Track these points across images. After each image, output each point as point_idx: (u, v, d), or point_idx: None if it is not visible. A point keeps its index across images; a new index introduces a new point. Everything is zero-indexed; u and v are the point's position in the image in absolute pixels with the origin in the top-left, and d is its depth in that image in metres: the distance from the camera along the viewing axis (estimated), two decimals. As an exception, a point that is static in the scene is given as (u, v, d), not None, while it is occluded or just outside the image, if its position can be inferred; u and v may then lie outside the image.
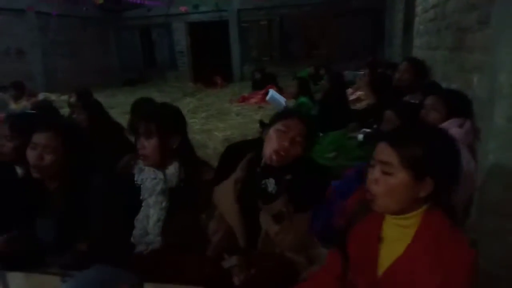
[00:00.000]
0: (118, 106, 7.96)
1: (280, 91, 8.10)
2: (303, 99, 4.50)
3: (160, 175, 1.73)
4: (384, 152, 1.09)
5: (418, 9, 4.45)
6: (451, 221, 1.08)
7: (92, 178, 1.73)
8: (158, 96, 9.53)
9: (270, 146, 1.57)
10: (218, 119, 6.03)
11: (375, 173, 1.11)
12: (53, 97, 9.12)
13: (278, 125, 1.61)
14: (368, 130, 3.67)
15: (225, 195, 1.64)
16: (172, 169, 1.74)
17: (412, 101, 2.81)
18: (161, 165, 1.74)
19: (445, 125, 2.00)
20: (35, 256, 1.66)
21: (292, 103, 4.88)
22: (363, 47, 11.24)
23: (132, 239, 1.72)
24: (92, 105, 3.31)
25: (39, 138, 1.67)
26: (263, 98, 7.48)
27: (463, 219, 1.91)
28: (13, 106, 5.99)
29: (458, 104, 2.07)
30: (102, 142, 2.96)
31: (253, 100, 7.47)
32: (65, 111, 7.69)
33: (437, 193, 1.07)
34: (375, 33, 11.08)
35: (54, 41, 10.83)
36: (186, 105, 7.52)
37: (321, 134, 4.05)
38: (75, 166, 1.70)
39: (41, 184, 1.72)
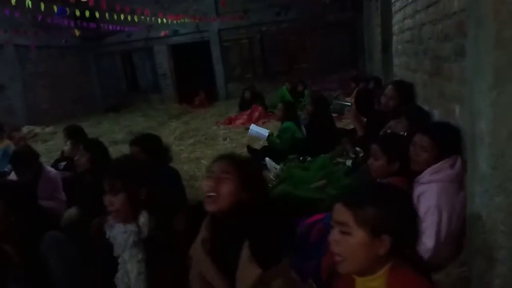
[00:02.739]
0: (104, 134, 7.89)
1: (266, 109, 8.15)
2: (287, 123, 4.52)
3: (130, 227, 1.72)
4: (340, 212, 1.14)
5: (395, 28, 4.54)
6: (418, 273, 1.14)
7: (48, 236, 1.74)
8: (143, 121, 9.50)
9: (204, 193, 1.55)
10: (205, 145, 6.00)
11: (334, 234, 1.15)
12: (37, 129, 9.00)
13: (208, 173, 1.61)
14: (359, 149, 3.68)
15: (199, 258, 1.61)
16: (142, 219, 1.72)
17: (396, 129, 2.82)
18: (130, 218, 1.73)
19: (436, 167, 1.99)
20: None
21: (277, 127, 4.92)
22: (344, 60, 11.43)
23: None
24: (94, 146, 3.23)
25: None
26: (249, 119, 7.51)
27: (457, 252, 1.93)
28: (-4, 146, 5.89)
29: (448, 142, 2.04)
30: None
31: (239, 122, 7.49)
32: (51, 143, 7.63)
33: (397, 249, 1.12)
34: (354, 46, 11.29)
35: (34, 73, 10.73)
36: (172, 131, 7.48)
37: (309, 158, 4.08)
38: (24, 228, 1.72)
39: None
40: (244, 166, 1.58)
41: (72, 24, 8.05)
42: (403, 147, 2.21)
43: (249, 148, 4.93)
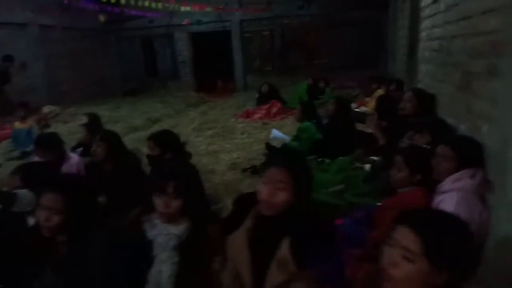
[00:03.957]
0: (122, 120, 8.00)
1: (283, 103, 8.15)
2: (306, 124, 4.54)
3: (173, 230, 1.77)
4: (408, 238, 1.12)
5: (423, 34, 4.49)
6: None
7: (95, 232, 1.81)
8: (161, 108, 9.57)
9: (259, 197, 1.61)
10: (223, 138, 6.04)
11: (394, 256, 1.14)
12: (58, 110, 9.13)
13: (263, 177, 1.65)
14: (375, 158, 3.72)
15: (237, 245, 1.65)
16: (185, 225, 1.79)
17: (419, 142, 2.83)
18: (174, 221, 1.79)
19: (456, 176, 2.04)
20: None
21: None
22: (364, 59, 11.31)
23: None
24: (110, 137, 3.32)
25: (46, 200, 1.76)
26: (267, 114, 7.53)
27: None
28: (19, 126, 6.05)
29: (470, 155, 2.10)
30: (120, 178, 3.02)
31: (257, 116, 7.50)
32: (71, 125, 7.74)
33: (453, 282, 1.13)
34: (376, 45, 11.14)
35: (56, 53, 10.86)
36: (190, 121, 7.54)
37: (327, 161, 4.11)
38: (78, 221, 1.79)
39: (50, 237, 1.81)
40: (299, 173, 1.61)
41: (98, 8, 8.12)
42: (425, 160, 2.27)
43: (268, 145, 4.96)
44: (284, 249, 1.51)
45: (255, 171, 4.29)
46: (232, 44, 12.22)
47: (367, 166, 3.57)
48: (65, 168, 3.41)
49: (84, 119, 4.48)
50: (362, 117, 4.71)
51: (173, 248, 1.76)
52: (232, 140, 5.92)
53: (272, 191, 1.56)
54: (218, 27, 12.23)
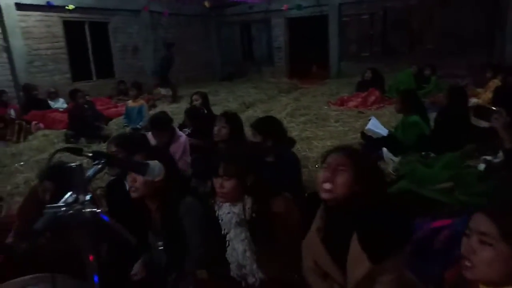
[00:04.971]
0: (219, 103, 8.34)
1: (383, 92, 7.72)
2: (414, 117, 4.15)
3: (234, 209, 1.84)
4: (482, 222, 1.12)
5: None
6: None
7: (185, 201, 1.97)
8: (255, 93, 9.77)
9: (318, 184, 1.58)
10: (316, 125, 5.97)
11: (473, 242, 1.13)
12: (163, 91, 9.86)
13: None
14: (489, 158, 3.34)
15: (314, 248, 1.65)
16: (246, 203, 1.83)
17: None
18: (235, 200, 1.85)
19: None
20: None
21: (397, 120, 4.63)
22: (477, 41, 10.07)
23: (232, 273, 1.86)
24: (235, 119, 3.41)
25: None
26: (363, 102, 7.23)
27: None
28: (131, 105, 6.67)
29: None
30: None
31: (352, 104, 7.24)
32: (175, 106, 8.29)
33: None
34: (491, 25, 9.81)
35: (164, 38, 11.69)
36: (283, 107, 7.58)
37: (432, 155, 3.80)
38: (169, 189, 1.94)
39: (143, 204, 2.02)
40: (361, 160, 1.59)
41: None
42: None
43: (364, 135, 4.74)
44: (354, 245, 1.50)
45: (350, 161, 4.14)
46: (329, 29, 11.91)
47: (481, 166, 3.22)
48: (174, 147, 3.64)
49: (199, 99, 4.75)
50: (481, 111, 4.22)
51: (237, 225, 1.83)
52: (325, 127, 5.82)
53: (332, 174, 1.54)
54: (315, 12, 11.99)
